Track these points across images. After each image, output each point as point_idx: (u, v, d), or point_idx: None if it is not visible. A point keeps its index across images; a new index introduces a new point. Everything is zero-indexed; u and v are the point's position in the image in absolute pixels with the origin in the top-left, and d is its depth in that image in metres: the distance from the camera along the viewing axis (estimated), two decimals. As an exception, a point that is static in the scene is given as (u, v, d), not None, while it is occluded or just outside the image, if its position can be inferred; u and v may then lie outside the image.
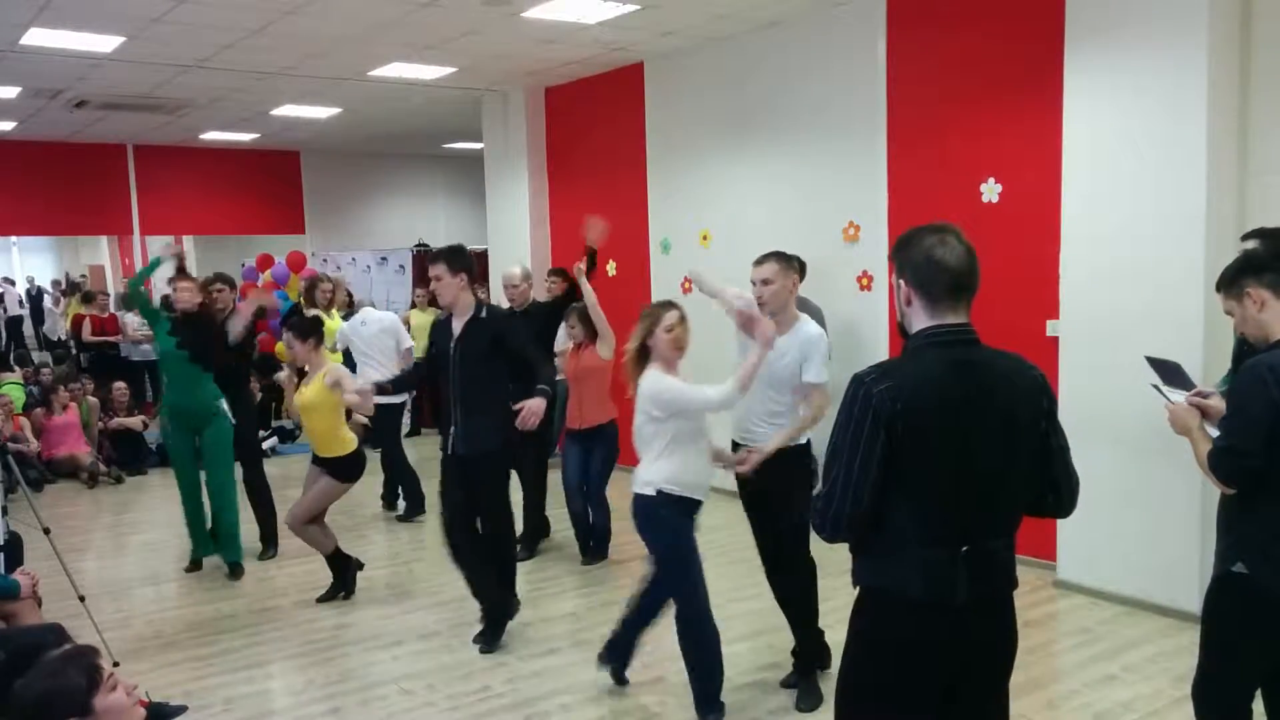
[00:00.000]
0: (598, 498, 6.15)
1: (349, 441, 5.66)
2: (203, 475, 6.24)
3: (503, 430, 4.80)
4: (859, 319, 6.68)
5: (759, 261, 4.10)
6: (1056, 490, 2.36)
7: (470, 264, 4.87)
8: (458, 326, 4.80)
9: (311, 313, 7.54)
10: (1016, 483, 2.29)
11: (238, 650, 5.02)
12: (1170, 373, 3.38)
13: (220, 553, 6.30)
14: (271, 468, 9.38)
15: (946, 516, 2.22)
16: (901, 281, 2.31)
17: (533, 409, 4.56)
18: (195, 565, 6.35)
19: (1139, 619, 5.04)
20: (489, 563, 4.93)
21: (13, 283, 20.29)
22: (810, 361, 4.02)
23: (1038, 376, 2.36)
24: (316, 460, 5.72)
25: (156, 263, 6.51)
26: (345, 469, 5.65)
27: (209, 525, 6.33)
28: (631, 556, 6.12)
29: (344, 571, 5.75)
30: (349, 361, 8.79)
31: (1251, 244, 4.04)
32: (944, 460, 2.20)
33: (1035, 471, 2.32)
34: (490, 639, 4.92)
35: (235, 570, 6.20)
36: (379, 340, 7.57)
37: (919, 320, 2.29)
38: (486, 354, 4.73)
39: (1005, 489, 2.27)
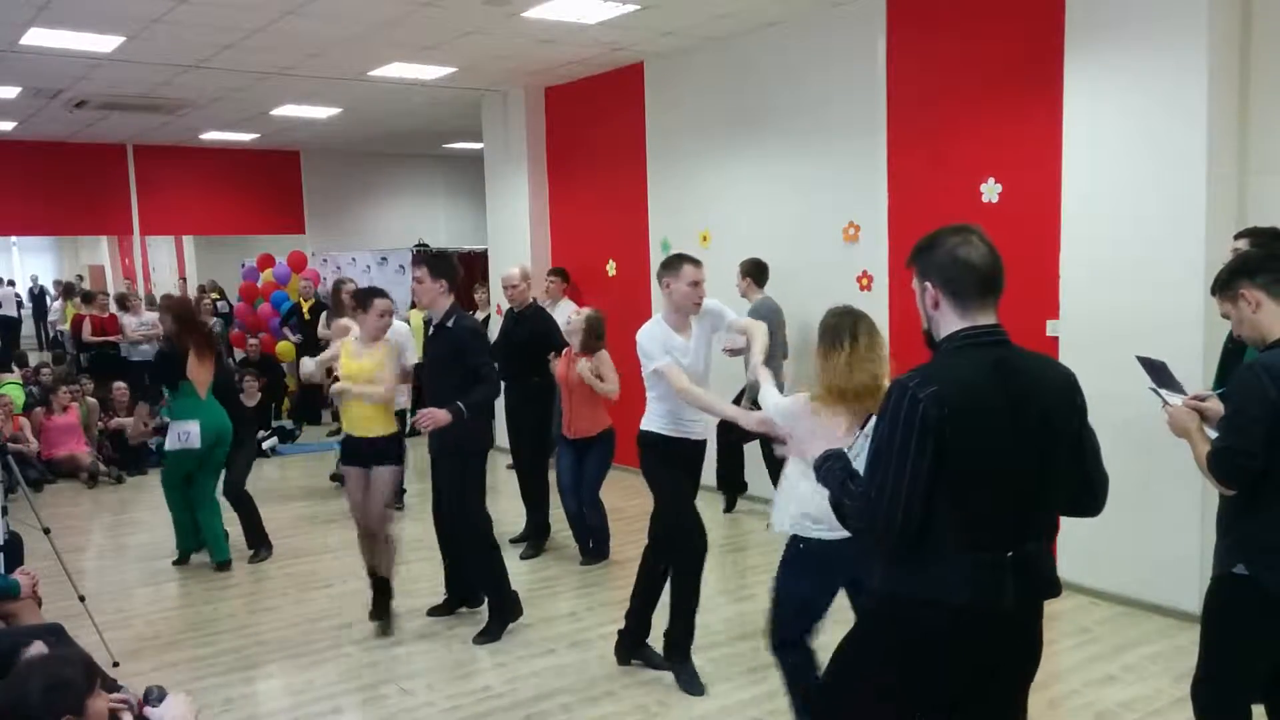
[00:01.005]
0: (591, 500, 6.15)
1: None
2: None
3: (463, 434, 4.82)
4: (859, 319, 6.67)
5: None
6: (1091, 489, 2.37)
7: (452, 272, 4.97)
8: (430, 330, 5.00)
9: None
10: (1055, 484, 2.28)
11: (238, 650, 5.01)
12: (1158, 371, 3.37)
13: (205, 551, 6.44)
14: (271, 468, 9.44)
15: (992, 521, 2.20)
16: (927, 285, 2.28)
17: (431, 415, 4.68)
18: (184, 559, 6.46)
19: (1139, 619, 5.04)
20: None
21: (12, 284, 20.30)
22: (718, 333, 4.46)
23: (1069, 375, 2.34)
24: (357, 452, 5.13)
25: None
26: (399, 445, 5.29)
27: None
28: (632, 557, 6.12)
29: (384, 598, 5.28)
30: None
31: (1242, 243, 4.05)
32: (990, 464, 2.18)
33: (1071, 471, 2.31)
34: (489, 634, 4.98)
35: (224, 566, 6.33)
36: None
37: (949, 323, 2.27)
38: (448, 360, 4.85)
39: (1045, 490, 2.26)
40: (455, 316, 4.92)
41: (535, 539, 6.50)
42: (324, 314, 10.37)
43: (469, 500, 4.98)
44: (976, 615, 2.19)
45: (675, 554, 4.38)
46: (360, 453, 5.11)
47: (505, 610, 5.05)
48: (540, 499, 6.54)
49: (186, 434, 6.11)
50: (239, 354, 11.83)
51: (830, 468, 2.42)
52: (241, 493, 6.62)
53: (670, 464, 4.36)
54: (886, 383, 3.19)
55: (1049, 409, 2.24)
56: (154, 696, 2.71)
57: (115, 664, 4.60)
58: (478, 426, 4.94)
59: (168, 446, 6.29)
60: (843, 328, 3.39)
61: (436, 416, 4.67)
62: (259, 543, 6.61)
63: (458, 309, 4.97)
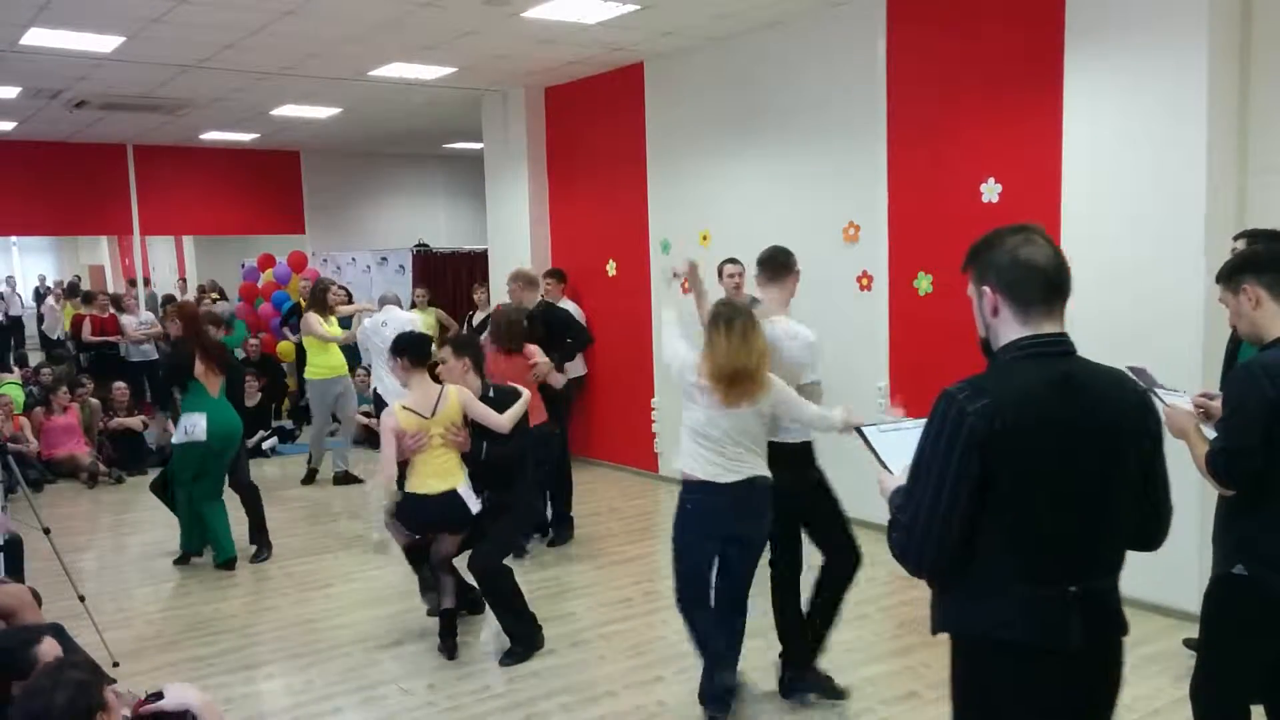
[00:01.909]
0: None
1: None
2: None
3: (531, 489, 5.13)
4: (859, 319, 6.68)
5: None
6: (1159, 521, 2.15)
7: (477, 351, 5.06)
8: None
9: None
10: (1123, 512, 2.06)
11: (238, 650, 5.02)
12: (1144, 376, 3.36)
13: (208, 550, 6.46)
14: (271, 468, 9.44)
15: (1051, 551, 1.99)
16: (986, 289, 2.08)
17: (465, 438, 4.76)
18: (185, 559, 6.49)
19: (1138, 619, 4.99)
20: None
21: (13, 284, 20.29)
22: None
23: (1142, 394, 2.15)
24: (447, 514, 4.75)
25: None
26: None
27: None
28: (632, 558, 6.13)
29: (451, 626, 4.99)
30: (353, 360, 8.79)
31: (1241, 244, 4.05)
32: (1048, 488, 1.97)
33: (1140, 500, 2.10)
34: (516, 655, 4.82)
35: (229, 565, 6.34)
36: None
37: (1009, 330, 2.06)
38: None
39: (1112, 519, 2.04)
40: (493, 389, 5.00)
41: (559, 530, 6.63)
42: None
43: (505, 551, 4.95)
44: (1040, 655, 2.00)
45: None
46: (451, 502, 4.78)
47: (531, 637, 4.89)
48: (558, 491, 6.65)
49: (193, 426, 6.09)
50: (238, 354, 11.84)
51: (891, 501, 2.20)
52: (249, 483, 6.65)
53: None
54: (764, 375, 3.77)
55: (1117, 430, 2.04)
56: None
57: (115, 664, 4.60)
58: (530, 486, 5.10)
59: (174, 440, 6.31)
60: (721, 317, 3.76)
61: (460, 439, 4.73)
62: (261, 541, 6.61)
63: (488, 383, 5.04)
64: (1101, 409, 2.03)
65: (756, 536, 3.99)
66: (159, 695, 2.35)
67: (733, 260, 6.45)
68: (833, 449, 4.35)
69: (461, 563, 4.99)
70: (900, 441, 2.32)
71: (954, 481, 1.95)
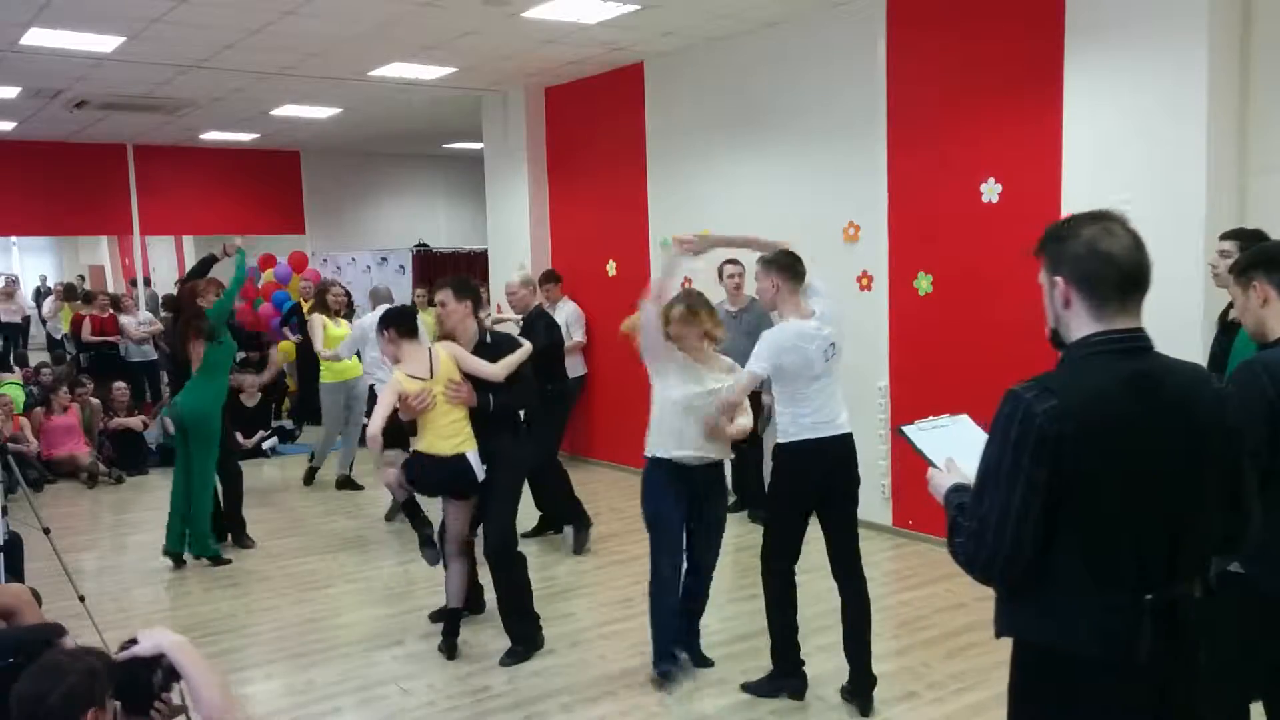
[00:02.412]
0: None
1: None
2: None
3: (522, 445, 4.95)
4: (859, 319, 6.67)
5: None
6: (1242, 522, 2.06)
7: (477, 294, 4.96)
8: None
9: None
10: (1205, 516, 1.97)
11: (238, 650, 5.02)
12: None
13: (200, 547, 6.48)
14: (271, 468, 9.44)
15: (1125, 558, 1.90)
16: (1058, 279, 1.98)
17: (468, 393, 4.63)
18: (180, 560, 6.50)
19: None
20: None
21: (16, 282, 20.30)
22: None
23: (1222, 391, 2.06)
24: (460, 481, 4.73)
25: (240, 277, 6.92)
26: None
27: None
28: (633, 557, 6.13)
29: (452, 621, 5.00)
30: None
31: (1229, 244, 4.07)
32: (1122, 490, 1.89)
33: (1222, 502, 2.01)
34: (516, 655, 4.81)
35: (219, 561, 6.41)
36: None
37: (1081, 325, 1.98)
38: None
39: (1193, 524, 1.95)
40: (490, 333, 4.95)
41: (579, 533, 6.52)
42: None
43: (511, 515, 4.87)
44: (1109, 669, 1.90)
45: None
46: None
47: (532, 637, 4.87)
48: (569, 494, 6.57)
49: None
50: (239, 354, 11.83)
51: (949, 500, 2.11)
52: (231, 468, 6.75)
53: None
54: (705, 344, 4.34)
55: (1199, 430, 1.95)
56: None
57: (115, 664, 4.59)
58: (523, 447, 4.97)
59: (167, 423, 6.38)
60: (680, 299, 4.39)
61: (465, 393, 4.62)
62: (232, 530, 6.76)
63: (486, 328, 5.00)
64: (1180, 407, 1.94)
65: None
66: (134, 642, 2.33)
67: (733, 261, 6.45)
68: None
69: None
70: (942, 438, 2.30)
71: (1025, 485, 1.87)
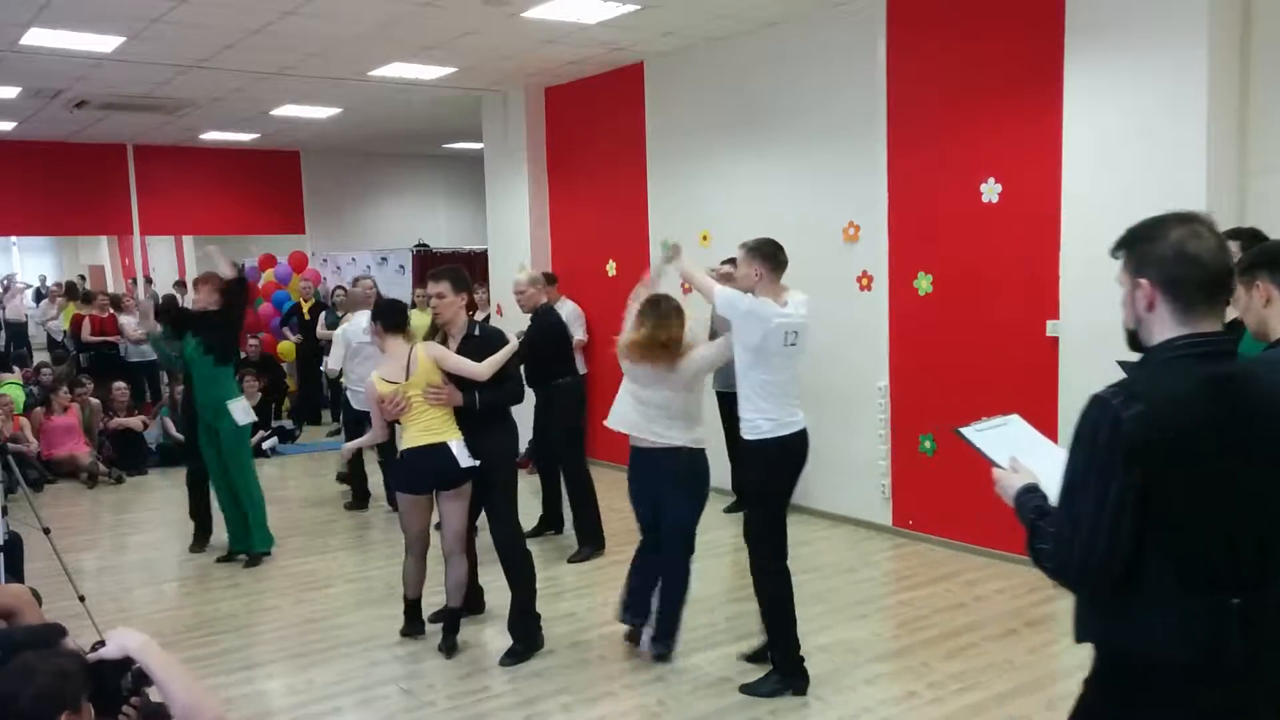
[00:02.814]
0: None
1: None
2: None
3: (512, 436, 4.97)
4: (858, 319, 6.68)
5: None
6: None
7: (469, 286, 4.99)
8: (453, 346, 4.85)
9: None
10: None
11: (238, 650, 5.02)
12: None
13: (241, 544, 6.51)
14: (271, 468, 9.44)
15: (1213, 562, 1.88)
16: (1142, 282, 1.97)
17: (450, 394, 4.68)
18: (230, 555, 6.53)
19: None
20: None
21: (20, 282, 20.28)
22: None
23: None
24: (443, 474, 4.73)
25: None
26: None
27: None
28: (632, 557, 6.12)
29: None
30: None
31: (1230, 244, 4.04)
32: (1210, 494, 1.88)
33: None
34: (516, 655, 4.82)
35: (256, 560, 6.41)
36: (374, 350, 7.41)
37: (1164, 329, 1.95)
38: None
39: None
40: (479, 326, 4.96)
41: (587, 547, 6.40)
42: (323, 314, 10.36)
43: (513, 507, 4.90)
44: (1198, 674, 1.89)
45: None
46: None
47: (533, 636, 4.87)
48: (593, 512, 6.44)
49: (247, 409, 6.35)
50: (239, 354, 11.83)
51: (1024, 503, 2.08)
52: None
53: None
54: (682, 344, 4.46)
55: None
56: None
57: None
58: (510, 437, 4.96)
59: (240, 422, 6.33)
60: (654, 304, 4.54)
61: (449, 394, 4.66)
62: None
63: (472, 320, 5.00)
64: (1267, 410, 1.93)
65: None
66: (103, 644, 2.31)
67: (733, 260, 6.43)
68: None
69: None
70: (1000, 438, 2.29)
71: (1117, 490, 1.85)
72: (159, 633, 5.25)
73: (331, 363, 7.85)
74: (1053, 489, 2.02)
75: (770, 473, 4.25)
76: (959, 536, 6.25)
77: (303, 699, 4.43)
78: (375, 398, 4.76)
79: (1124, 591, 1.91)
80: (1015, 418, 2.40)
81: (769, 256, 4.23)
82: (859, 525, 6.83)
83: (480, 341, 4.80)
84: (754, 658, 4.60)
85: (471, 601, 5.27)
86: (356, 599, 5.72)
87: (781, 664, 4.32)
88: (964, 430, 2.33)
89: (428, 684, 4.54)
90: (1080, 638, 2.04)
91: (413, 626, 5.07)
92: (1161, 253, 1.95)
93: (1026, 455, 2.17)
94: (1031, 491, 2.08)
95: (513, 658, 4.74)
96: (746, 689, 4.32)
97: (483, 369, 4.67)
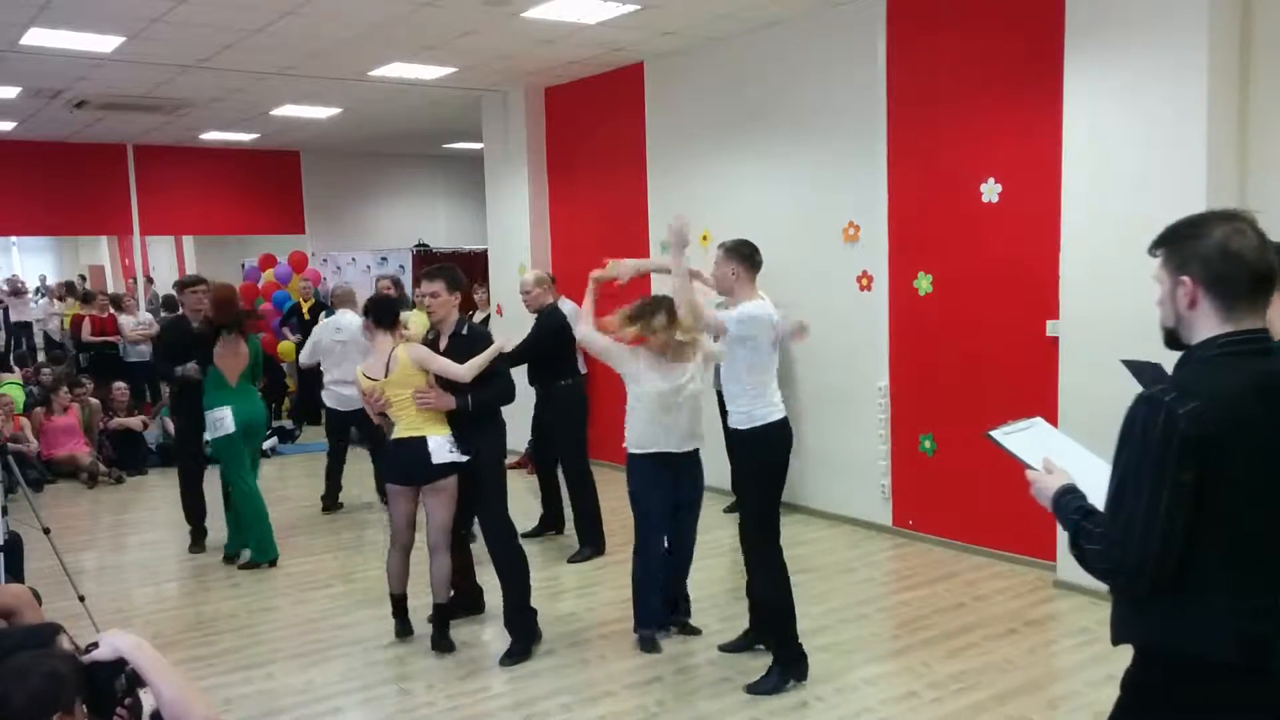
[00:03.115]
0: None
1: None
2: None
3: (500, 433, 4.97)
4: (858, 319, 6.68)
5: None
6: None
7: (463, 285, 5.05)
8: (443, 344, 4.90)
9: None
10: None
11: (238, 650, 5.02)
12: (1150, 373, 3.32)
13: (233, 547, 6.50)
14: (270, 468, 9.43)
15: (1266, 561, 1.88)
16: (1185, 279, 1.96)
17: (438, 398, 4.74)
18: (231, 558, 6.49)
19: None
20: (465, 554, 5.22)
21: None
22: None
23: None
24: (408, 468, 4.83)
25: None
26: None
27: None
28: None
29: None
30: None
31: None
32: (1263, 493, 1.87)
33: None
34: (515, 655, 4.83)
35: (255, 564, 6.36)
36: (351, 354, 7.29)
37: (1207, 326, 1.95)
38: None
39: None
40: (467, 324, 5.01)
41: (588, 548, 6.37)
42: (323, 314, 10.36)
43: (503, 504, 4.91)
44: (1247, 675, 1.86)
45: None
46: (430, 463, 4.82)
47: (530, 633, 4.89)
48: (594, 513, 6.44)
49: (219, 421, 6.14)
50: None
51: (1065, 504, 2.04)
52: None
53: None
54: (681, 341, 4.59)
55: None
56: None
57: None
58: (498, 435, 4.96)
59: (207, 436, 6.30)
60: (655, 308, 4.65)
61: (437, 399, 4.72)
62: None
63: (463, 318, 5.08)
64: None
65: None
66: (96, 645, 2.31)
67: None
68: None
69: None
70: (1030, 440, 2.29)
71: (1171, 488, 1.84)
72: (159, 633, 5.26)
73: (303, 357, 7.94)
74: (1088, 490, 2.02)
75: (768, 455, 4.32)
76: (959, 536, 6.25)
77: (303, 699, 4.43)
78: (361, 391, 4.94)
79: (1173, 591, 1.89)
80: (1039, 420, 2.40)
81: (746, 257, 4.33)
82: (859, 525, 6.83)
83: (466, 340, 4.85)
84: (730, 648, 4.73)
85: (470, 601, 5.28)
86: (356, 599, 5.72)
87: (783, 654, 4.34)
88: (994, 434, 2.32)
89: (427, 684, 4.53)
90: (1119, 639, 2.03)
91: (403, 625, 5.07)
92: (1205, 250, 1.94)
93: (1056, 457, 2.17)
94: (1071, 493, 2.05)
95: (511, 658, 4.74)
96: (752, 689, 4.30)
97: (464, 371, 4.71)
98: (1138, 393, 1.93)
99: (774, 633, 4.38)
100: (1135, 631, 1.99)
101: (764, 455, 4.32)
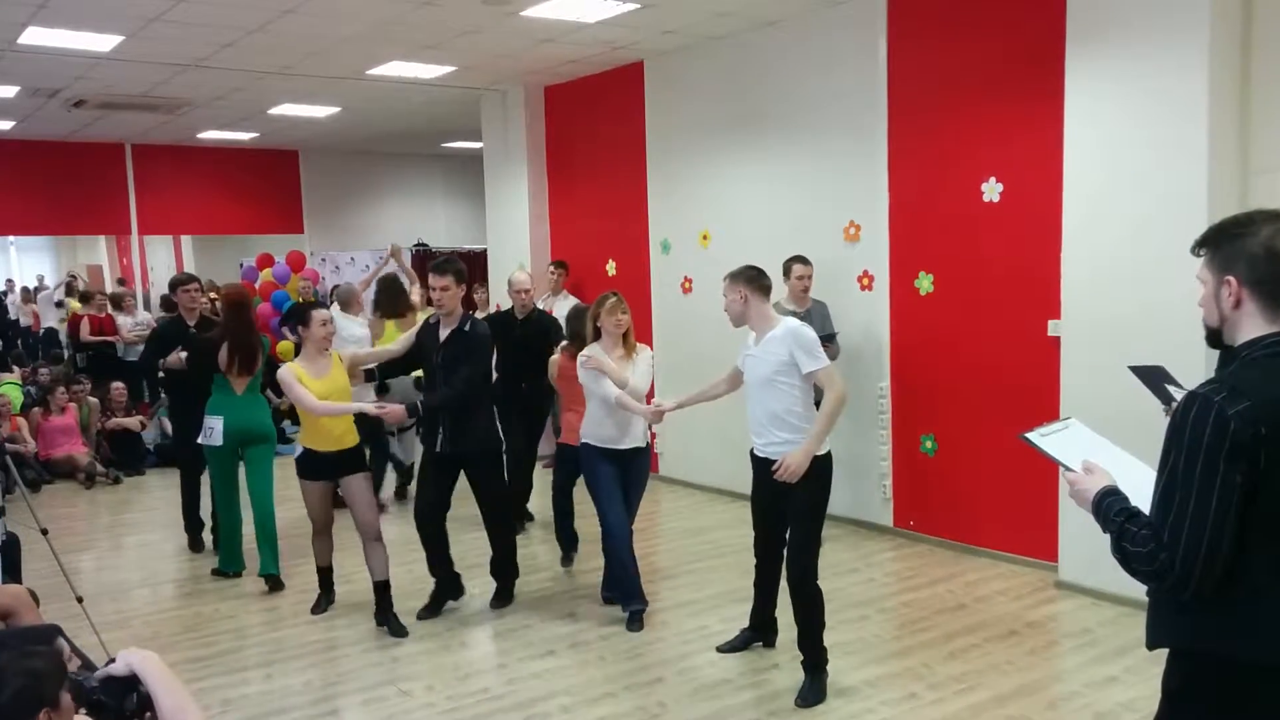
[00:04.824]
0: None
1: None
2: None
3: (493, 427, 5.36)
4: (859, 319, 6.67)
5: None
6: None
7: (466, 278, 5.24)
8: (444, 334, 5.10)
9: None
10: None
11: (237, 651, 5.00)
12: (1156, 376, 3.31)
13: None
14: (270, 468, 9.41)
15: None
16: (1230, 279, 1.95)
17: (391, 411, 5.03)
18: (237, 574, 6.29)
19: (1140, 620, 4.98)
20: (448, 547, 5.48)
21: (13, 287, 20.24)
22: (799, 353, 4.12)
23: None
24: (334, 464, 5.29)
25: None
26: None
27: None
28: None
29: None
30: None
31: None
32: None
33: None
34: (430, 611, 5.37)
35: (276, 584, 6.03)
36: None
37: (1253, 327, 1.93)
38: (463, 361, 5.07)
39: None
40: (471, 322, 5.17)
41: (567, 553, 6.32)
42: None
43: (500, 477, 5.43)
44: None
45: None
46: (347, 457, 5.34)
47: (512, 573, 5.54)
48: (522, 491, 6.86)
49: (210, 430, 6.05)
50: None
51: (1107, 506, 2.01)
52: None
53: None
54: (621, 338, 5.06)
55: None
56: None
57: (111, 661, 4.58)
58: (489, 420, 5.35)
59: (199, 439, 6.24)
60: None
61: (391, 412, 5.02)
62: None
63: (468, 314, 5.26)
64: None
65: None
66: (113, 661, 2.32)
67: (803, 260, 6.33)
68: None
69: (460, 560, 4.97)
70: (1067, 441, 2.27)
71: (1222, 487, 1.82)
72: (157, 634, 5.25)
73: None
74: (1128, 491, 2.00)
75: (828, 487, 4.26)
76: (960, 537, 6.24)
77: (302, 699, 4.42)
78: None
79: (1222, 594, 1.86)
80: (1075, 421, 2.37)
81: (750, 279, 4.30)
82: (860, 526, 6.82)
83: (465, 340, 5.06)
84: (730, 648, 4.76)
85: (452, 590, 5.48)
86: (356, 599, 5.70)
87: (821, 663, 4.32)
88: (1029, 435, 2.29)
89: (427, 684, 4.52)
90: (1158, 643, 2.00)
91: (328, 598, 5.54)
92: (1252, 250, 1.93)
93: (1093, 459, 2.14)
94: (1113, 494, 2.02)
95: (500, 599, 5.43)
96: (803, 703, 4.19)
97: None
98: (1186, 391, 1.90)
99: (813, 646, 4.31)
100: (1179, 635, 1.96)
101: (826, 487, 4.26)
